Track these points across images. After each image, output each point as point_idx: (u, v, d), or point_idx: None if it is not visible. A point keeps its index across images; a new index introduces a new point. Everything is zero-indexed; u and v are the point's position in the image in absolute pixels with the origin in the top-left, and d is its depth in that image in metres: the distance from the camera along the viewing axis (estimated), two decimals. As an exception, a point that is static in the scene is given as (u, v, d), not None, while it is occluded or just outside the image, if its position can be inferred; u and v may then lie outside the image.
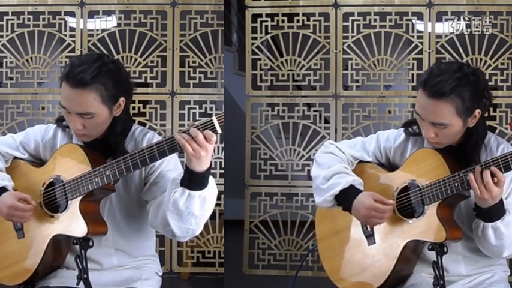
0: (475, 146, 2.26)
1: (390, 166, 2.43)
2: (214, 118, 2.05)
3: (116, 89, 2.23)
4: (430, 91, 2.15)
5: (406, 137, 2.40)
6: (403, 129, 2.42)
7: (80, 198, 2.23)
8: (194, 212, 2.15)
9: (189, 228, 2.19)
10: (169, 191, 2.16)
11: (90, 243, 2.23)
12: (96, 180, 2.20)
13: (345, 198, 2.34)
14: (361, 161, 2.47)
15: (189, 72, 4.31)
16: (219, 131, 2.05)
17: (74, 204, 2.23)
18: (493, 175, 2.12)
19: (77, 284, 2.21)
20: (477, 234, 2.24)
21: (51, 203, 2.29)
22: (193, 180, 2.11)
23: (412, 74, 4.21)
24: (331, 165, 2.41)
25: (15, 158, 2.42)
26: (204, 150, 2.05)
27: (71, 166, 2.27)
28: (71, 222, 2.23)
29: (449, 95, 2.14)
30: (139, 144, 2.34)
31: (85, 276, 2.20)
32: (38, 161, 2.41)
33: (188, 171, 2.10)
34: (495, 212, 2.18)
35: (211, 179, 2.16)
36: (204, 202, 2.16)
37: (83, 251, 2.21)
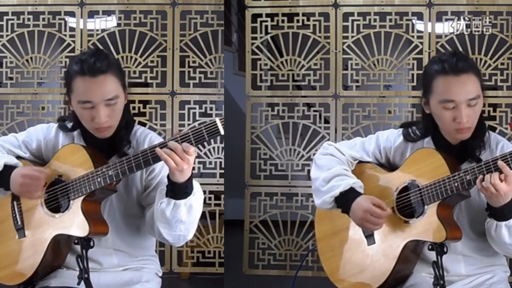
0: (478, 143, 2.27)
1: (390, 166, 2.43)
2: (217, 119, 2.07)
3: (124, 77, 2.31)
4: (456, 69, 2.19)
5: (405, 139, 2.40)
6: (402, 129, 2.42)
7: (81, 198, 2.23)
8: (181, 219, 2.20)
9: (180, 234, 2.25)
10: (156, 202, 2.21)
11: (91, 244, 2.23)
12: (99, 180, 2.21)
13: (345, 200, 2.33)
14: (360, 162, 2.47)
15: (189, 72, 4.31)
16: (222, 132, 2.08)
17: (76, 204, 2.24)
18: (500, 171, 2.11)
19: (78, 284, 2.21)
20: (490, 234, 2.23)
21: (52, 202, 2.29)
22: (177, 191, 2.16)
23: (412, 74, 4.22)
24: (331, 167, 2.40)
25: (18, 157, 2.41)
26: (185, 163, 2.09)
27: (73, 166, 2.28)
28: (73, 222, 2.23)
29: (472, 68, 2.22)
30: (141, 145, 2.35)
31: (86, 276, 2.20)
32: (39, 161, 2.41)
33: (171, 183, 2.15)
34: (508, 211, 2.16)
35: (195, 184, 2.20)
36: (191, 209, 2.20)
37: (84, 251, 2.21)
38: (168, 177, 2.15)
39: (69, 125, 2.38)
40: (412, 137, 2.38)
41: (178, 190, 2.15)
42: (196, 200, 2.20)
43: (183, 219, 2.20)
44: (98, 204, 2.29)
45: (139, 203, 2.37)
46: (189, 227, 2.24)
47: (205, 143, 4.22)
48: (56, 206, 2.28)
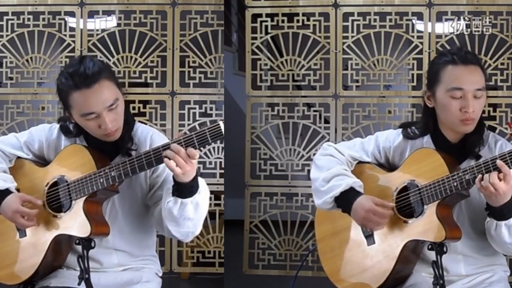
0: (477, 138, 2.29)
1: (389, 166, 2.43)
2: (220, 122, 2.08)
3: (115, 76, 2.30)
4: (465, 60, 2.27)
5: (404, 137, 2.41)
6: (401, 129, 2.43)
7: (83, 198, 2.24)
8: (189, 216, 2.22)
9: (188, 231, 2.27)
10: (163, 201, 2.22)
11: (93, 244, 2.24)
12: (101, 181, 2.21)
13: (345, 200, 2.34)
14: (360, 162, 2.47)
15: (189, 72, 4.31)
16: (223, 134, 2.08)
17: (78, 205, 2.24)
18: (499, 171, 2.11)
19: (78, 284, 2.21)
20: (490, 233, 2.24)
21: (54, 202, 2.29)
22: (182, 190, 2.17)
23: (412, 74, 4.22)
24: (331, 167, 2.41)
25: (19, 157, 2.42)
26: (189, 166, 2.10)
27: (75, 166, 2.28)
28: (75, 222, 2.24)
29: (479, 62, 2.32)
30: (142, 143, 2.35)
31: (86, 276, 2.21)
32: (41, 161, 2.42)
33: (176, 183, 2.16)
34: (507, 210, 2.17)
35: (201, 181, 2.21)
36: (197, 206, 2.22)
37: (85, 252, 2.22)
38: (173, 177, 2.16)
39: (71, 126, 2.38)
40: (412, 135, 2.38)
41: (183, 189, 2.17)
42: (202, 198, 2.22)
43: (191, 217, 2.22)
44: (99, 204, 2.30)
45: (143, 202, 2.38)
46: (197, 223, 2.27)
47: (205, 143, 4.21)
48: (57, 206, 2.29)
